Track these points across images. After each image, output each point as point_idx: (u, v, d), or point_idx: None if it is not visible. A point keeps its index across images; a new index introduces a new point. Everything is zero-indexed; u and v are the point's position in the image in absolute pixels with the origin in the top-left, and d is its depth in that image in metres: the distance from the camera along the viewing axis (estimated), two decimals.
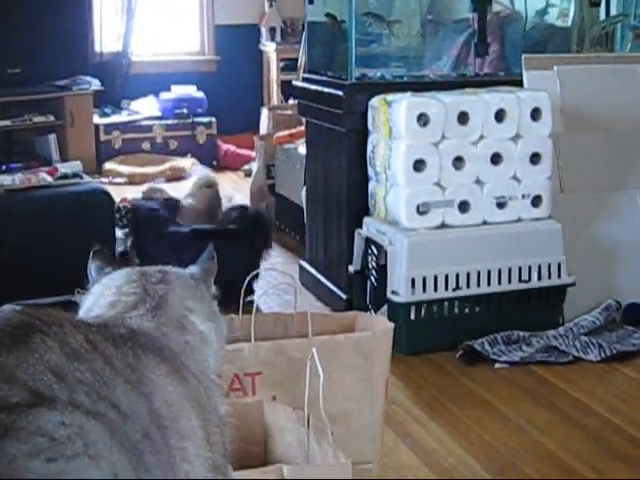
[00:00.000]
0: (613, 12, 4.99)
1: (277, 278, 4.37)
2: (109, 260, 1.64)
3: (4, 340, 1.18)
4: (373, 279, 3.95)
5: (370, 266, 3.97)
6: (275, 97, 8.52)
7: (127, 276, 1.57)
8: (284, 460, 1.95)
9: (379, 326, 2.48)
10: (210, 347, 1.56)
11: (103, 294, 1.54)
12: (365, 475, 2.42)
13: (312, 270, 4.68)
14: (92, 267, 1.63)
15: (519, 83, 4.30)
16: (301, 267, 4.82)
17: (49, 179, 4.63)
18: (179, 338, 1.48)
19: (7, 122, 7.30)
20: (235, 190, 7.11)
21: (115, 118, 8.18)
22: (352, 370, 2.39)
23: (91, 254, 1.65)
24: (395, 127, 3.88)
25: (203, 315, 1.57)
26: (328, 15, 4.73)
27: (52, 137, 7.45)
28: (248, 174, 7.25)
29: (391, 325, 2.46)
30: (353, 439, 2.39)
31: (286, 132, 5.90)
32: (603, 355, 3.79)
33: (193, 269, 1.67)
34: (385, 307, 3.89)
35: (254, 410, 2.12)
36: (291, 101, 7.51)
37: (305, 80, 4.79)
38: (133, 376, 1.27)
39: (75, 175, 4.83)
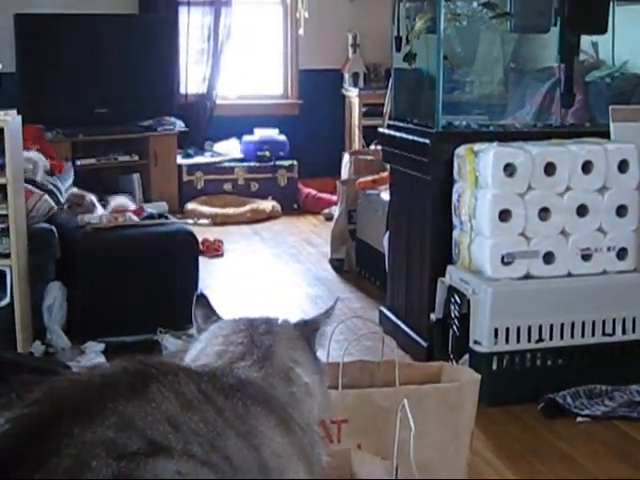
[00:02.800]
0: None
1: (357, 324, 4.37)
2: (212, 307, 1.67)
3: (123, 388, 1.20)
4: (455, 328, 3.93)
5: (453, 315, 3.96)
6: (357, 142, 8.56)
7: (235, 326, 1.59)
8: None
9: (466, 377, 2.47)
10: (314, 399, 1.57)
11: (211, 343, 1.55)
12: None
13: (392, 317, 4.68)
14: (197, 314, 1.65)
15: (604, 134, 4.28)
16: (381, 313, 4.82)
17: (135, 219, 4.71)
18: (285, 390, 1.50)
19: (93, 160, 7.45)
20: (315, 234, 7.15)
21: (198, 159, 8.29)
22: (438, 421, 2.39)
23: (195, 298, 1.67)
24: (481, 176, 3.89)
25: (308, 367, 1.58)
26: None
27: (136, 176, 7.58)
28: (328, 218, 7.29)
29: (478, 376, 2.46)
30: None
31: (369, 178, 5.93)
32: None
33: (301, 321, 1.67)
34: (466, 356, 3.87)
35: (341, 458, 2.12)
36: (372, 146, 7.55)
37: (390, 127, 4.81)
38: (243, 427, 1.28)
39: (161, 216, 4.91)
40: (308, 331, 1.66)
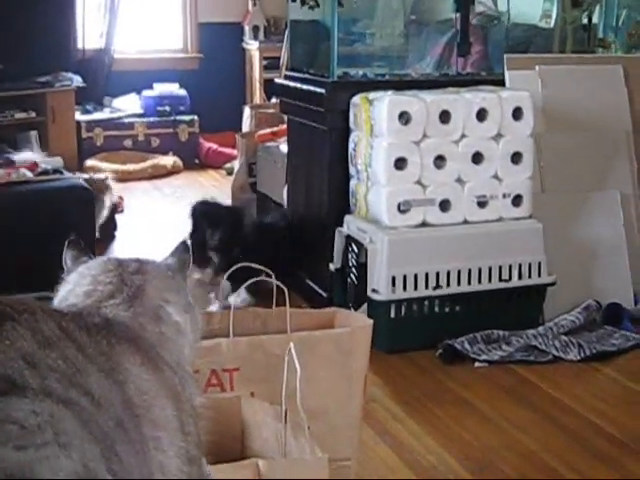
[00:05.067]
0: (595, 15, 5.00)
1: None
2: (85, 250, 1.63)
3: None
4: (353, 277, 3.94)
5: (350, 264, 3.97)
6: (258, 95, 8.51)
7: (104, 265, 1.56)
8: (261, 455, 1.94)
9: (358, 322, 2.47)
10: (185, 338, 1.55)
11: (79, 283, 1.52)
12: (343, 472, 2.41)
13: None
14: (67, 256, 1.62)
15: (501, 83, 4.31)
16: None
17: (29, 175, 4.61)
18: (155, 329, 1.47)
19: None
20: (217, 188, 7.09)
21: (97, 115, 8.15)
22: (331, 366, 2.38)
23: (66, 243, 1.63)
24: (377, 125, 3.88)
25: (179, 306, 1.56)
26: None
27: (34, 134, 7.41)
28: (230, 172, 7.23)
29: (370, 321, 2.46)
30: (331, 436, 2.38)
31: (268, 130, 5.89)
32: (583, 355, 3.79)
33: (169, 260, 1.66)
34: (365, 305, 3.88)
35: (231, 405, 2.11)
36: (274, 100, 7.50)
37: (287, 78, 4.78)
38: (107, 364, 1.26)
39: (55, 171, 4.82)
40: (178, 269, 1.64)
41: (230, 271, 2.52)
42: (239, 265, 2.47)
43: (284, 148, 5.15)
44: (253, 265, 2.43)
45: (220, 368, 2.31)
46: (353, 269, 3.95)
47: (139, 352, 1.35)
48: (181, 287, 1.62)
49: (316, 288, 4.35)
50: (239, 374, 2.34)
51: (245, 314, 2.51)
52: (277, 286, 2.42)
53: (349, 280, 3.98)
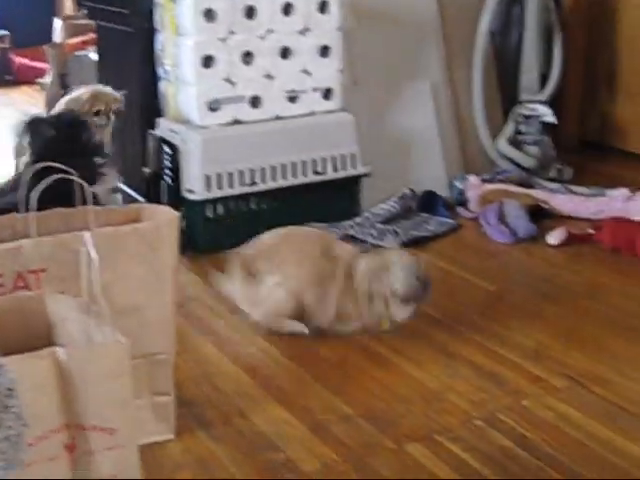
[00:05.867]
0: None
1: None
2: None
3: None
4: (168, 179, 3.91)
5: (164, 167, 3.93)
6: (68, 6, 8.27)
7: None
8: None
9: (164, 216, 2.46)
10: None
11: None
12: (161, 365, 2.41)
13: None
14: None
15: None
16: None
17: None
18: None
19: None
20: (31, 104, 6.91)
21: None
22: (139, 262, 2.36)
23: None
24: (182, 23, 3.82)
25: None
26: None
27: None
28: (44, 87, 7.05)
29: (176, 214, 2.44)
30: (146, 331, 2.38)
31: (78, 39, 5.75)
32: (399, 241, 3.87)
33: None
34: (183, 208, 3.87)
35: (36, 303, 2.08)
36: (86, 10, 7.31)
37: None
38: None
39: None
40: None
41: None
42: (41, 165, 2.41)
43: (94, 56, 5.04)
44: (56, 165, 2.38)
45: (25, 270, 2.27)
46: (167, 171, 3.91)
47: None
48: None
49: (133, 194, 4.30)
50: (46, 275, 2.29)
51: (49, 215, 2.46)
52: (81, 185, 2.38)
53: (163, 183, 3.95)
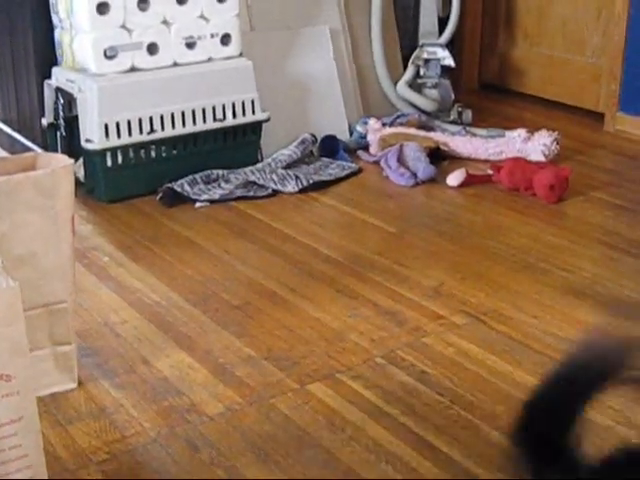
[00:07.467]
0: None
1: None
2: None
3: None
4: (64, 130, 3.86)
5: (61, 117, 3.88)
6: None
7: None
8: None
9: (59, 163, 2.43)
10: None
11: None
12: (60, 314, 2.40)
13: (7, 129, 4.53)
14: None
15: None
16: None
17: None
18: None
19: None
20: None
21: None
22: (35, 210, 2.34)
23: None
24: None
25: None
26: None
27: None
28: None
29: (70, 161, 2.42)
30: (43, 280, 2.36)
31: None
32: (300, 185, 3.89)
33: None
34: (81, 160, 3.82)
35: None
36: None
37: None
38: None
39: None
40: None
41: None
42: None
43: None
44: None
45: None
46: (64, 121, 3.86)
47: None
48: None
49: (31, 145, 4.24)
50: None
51: None
52: None
53: (60, 134, 3.89)
